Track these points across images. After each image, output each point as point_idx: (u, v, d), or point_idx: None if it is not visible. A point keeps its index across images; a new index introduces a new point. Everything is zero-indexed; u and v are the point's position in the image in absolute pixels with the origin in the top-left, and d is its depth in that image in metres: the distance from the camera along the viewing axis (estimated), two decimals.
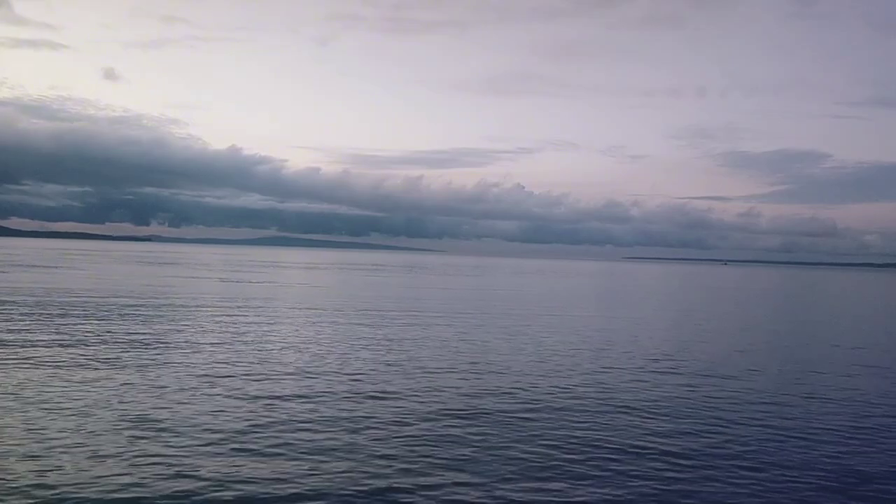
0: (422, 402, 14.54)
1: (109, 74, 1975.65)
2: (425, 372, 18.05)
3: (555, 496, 9.58)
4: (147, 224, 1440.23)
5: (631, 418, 13.90)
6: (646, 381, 17.87)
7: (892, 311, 55.68)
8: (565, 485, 9.99)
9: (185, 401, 13.78)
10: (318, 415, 13.15)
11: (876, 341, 30.45)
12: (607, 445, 11.92)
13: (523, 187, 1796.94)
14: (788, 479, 10.68)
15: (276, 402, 14.04)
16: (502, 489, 9.69)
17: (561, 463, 10.90)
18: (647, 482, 10.20)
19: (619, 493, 9.77)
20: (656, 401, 15.56)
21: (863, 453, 12.22)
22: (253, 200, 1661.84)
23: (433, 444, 11.58)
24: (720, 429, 13.38)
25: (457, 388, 16.16)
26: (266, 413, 13.13)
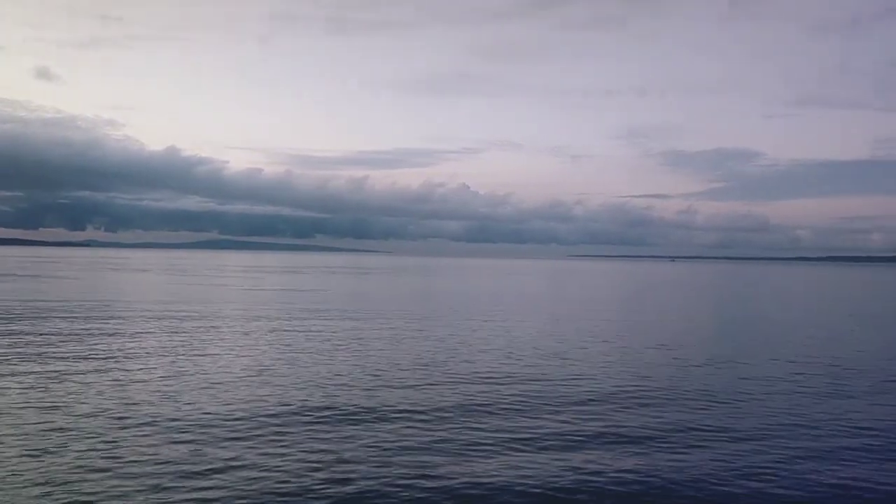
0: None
1: (42, 74, 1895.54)
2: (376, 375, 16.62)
3: None
4: (83, 229, 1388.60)
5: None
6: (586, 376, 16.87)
7: (842, 302, 56.99)
8: None
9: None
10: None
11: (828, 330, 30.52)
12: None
13: (468, 187, 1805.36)
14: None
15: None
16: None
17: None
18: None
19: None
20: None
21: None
22: (192, 203, 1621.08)
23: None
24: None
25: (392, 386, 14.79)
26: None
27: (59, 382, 15.10)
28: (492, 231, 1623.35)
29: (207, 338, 22.96)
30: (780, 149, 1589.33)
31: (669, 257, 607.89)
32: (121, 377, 15.89)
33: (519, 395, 14.98)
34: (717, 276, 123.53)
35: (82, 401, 13.48)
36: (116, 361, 17.97)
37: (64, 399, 13.55)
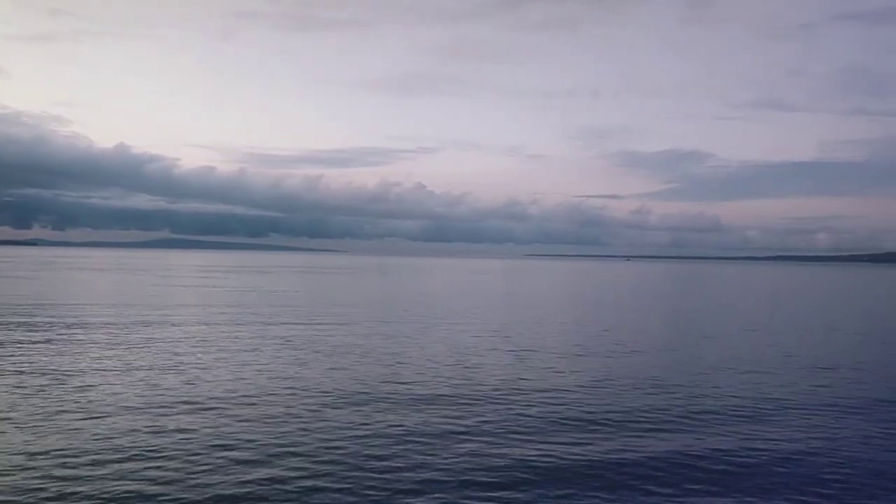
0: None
1: None
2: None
3: None
4: (29, 227, 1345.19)
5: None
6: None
7: (794, 298, 58.08)
8: None
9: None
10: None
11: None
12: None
13: (425, 186, 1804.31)
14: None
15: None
16: None
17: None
18: None
19: None
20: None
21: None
22: (143, 201, 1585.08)
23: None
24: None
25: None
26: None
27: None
28: (448, 230, 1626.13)
29: (161, 347, 21.75)
30: (731, 150, 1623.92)
31: (624, 257, 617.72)
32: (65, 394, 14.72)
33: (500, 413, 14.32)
34: (677, 276, 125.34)
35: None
36: (56, 376, 16.73)
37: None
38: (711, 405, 14.63)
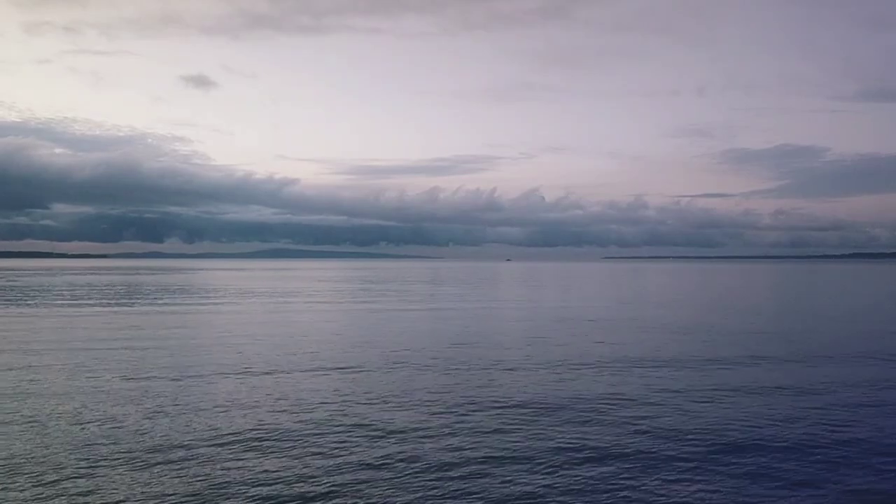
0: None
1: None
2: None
3: None
4: (161, 241, 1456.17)
5: None
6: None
7: None
8: None
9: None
10: None
11: None
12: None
13: (527, 192, 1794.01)
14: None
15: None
16: None
17: None
18: None
19: None
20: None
21: None
22: (262, 214, 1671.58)
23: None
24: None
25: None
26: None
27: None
28: (554, 235, 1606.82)
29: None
30: (846, 144, 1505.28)
31: (738, 257, 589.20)
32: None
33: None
34: (837, 280, 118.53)
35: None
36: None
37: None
38: None
